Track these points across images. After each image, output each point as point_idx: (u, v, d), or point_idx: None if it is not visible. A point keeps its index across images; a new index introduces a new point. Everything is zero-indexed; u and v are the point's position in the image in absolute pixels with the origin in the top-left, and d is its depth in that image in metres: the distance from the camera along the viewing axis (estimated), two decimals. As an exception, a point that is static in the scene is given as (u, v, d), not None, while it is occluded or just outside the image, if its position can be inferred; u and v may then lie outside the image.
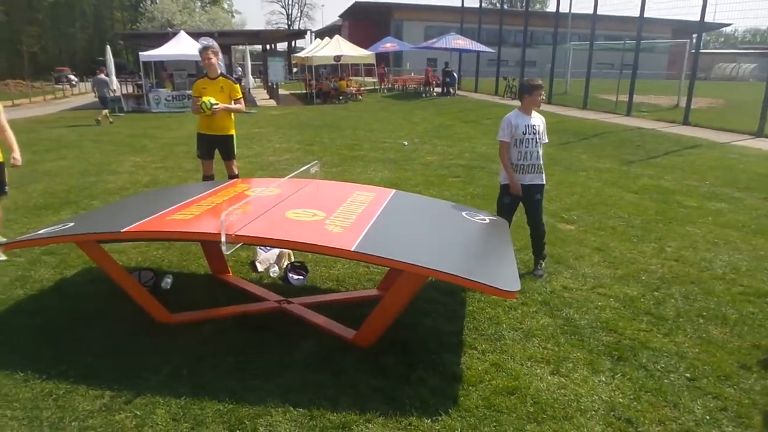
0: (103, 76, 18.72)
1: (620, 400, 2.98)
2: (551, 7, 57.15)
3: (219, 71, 6.00)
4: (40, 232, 3.79)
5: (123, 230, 3.29)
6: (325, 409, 2.86)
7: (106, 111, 17.71)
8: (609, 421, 2.80)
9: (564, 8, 25.91)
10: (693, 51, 17.84)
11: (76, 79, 41.25)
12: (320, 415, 2.82)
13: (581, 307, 4.10)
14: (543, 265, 4.76)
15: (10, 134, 5.25)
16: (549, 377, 3.20)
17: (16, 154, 5.21)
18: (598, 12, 19.61)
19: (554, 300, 4.21)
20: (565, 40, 27.86)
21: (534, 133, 4.56)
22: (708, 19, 15.78)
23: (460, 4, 31.11)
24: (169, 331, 3.66)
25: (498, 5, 50.89)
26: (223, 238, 3.01)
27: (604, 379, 3.17)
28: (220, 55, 6.08)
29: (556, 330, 3.75)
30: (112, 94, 19.08)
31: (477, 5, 31.62)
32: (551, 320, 3.89)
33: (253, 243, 3.34)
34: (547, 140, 4.71)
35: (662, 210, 6.78)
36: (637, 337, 3.63)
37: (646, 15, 16.94)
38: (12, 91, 29.94)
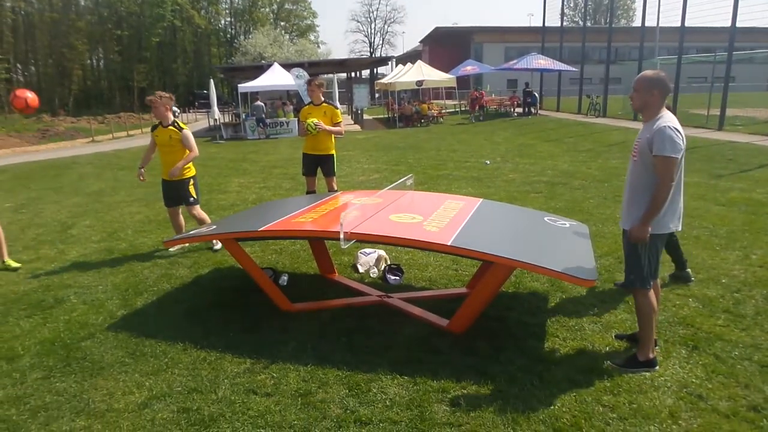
0: (259, 102, 22.97)
1: (693, 380, 3.29)
2: (637, 22, 55.58)
3: (322, 99, 6.83)
4: (191, 233, 4.65)
5: (260, 229, 4.04)
6: (427, 378, 3.40)
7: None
8: (681, 396, 3.13)
9: (651, 22, 25.51)
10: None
11: (178, 111, 44.85)
12: (422, 382, 3.36)
13: (659, 305, 4.38)
14: None
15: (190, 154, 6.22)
16: (626, 361, 3.55)
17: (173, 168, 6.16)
18: (689, 24, 19.17)
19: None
20: (653, 55, 27.22)
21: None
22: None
23: (541, 24, 31.23)
24: (291, 317, 4.36)
25: (580, 23, 50.26)
26: (341, 236, 3.65)
27: (678, 363, 3.49)
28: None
29: (633, 324, 4.07)
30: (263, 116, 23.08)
31: (558, 24, 31.59)
32: (629, 316, 4.21)
33: (365, 239, 3.96)
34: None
35: (750, 221, 6.79)
36: (713, 331, 3.89)
37: (745, 24, 16.45)
38: (125, 123, 33.28)
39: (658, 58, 25.28)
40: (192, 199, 6.27)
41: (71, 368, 3.71)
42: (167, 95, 6.08)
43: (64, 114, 44.16)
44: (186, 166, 6.16)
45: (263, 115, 22.66)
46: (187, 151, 6.14)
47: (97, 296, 5.00)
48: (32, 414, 3.22)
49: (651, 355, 3.43)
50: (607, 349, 3.73)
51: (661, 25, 27.63)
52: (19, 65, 52.48)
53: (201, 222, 6.19)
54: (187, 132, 6.13)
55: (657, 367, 3.42)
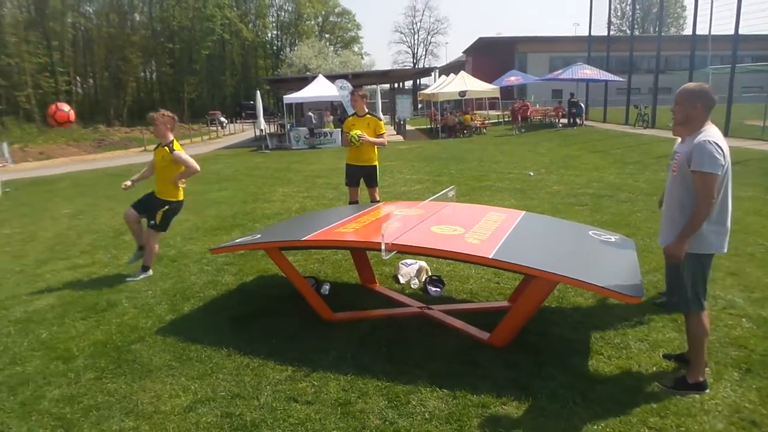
0: (310, 113, 23.91)
1: (746, 405, 3.16)
2: (687, 30, 53.89)
3: (365, 110, 6.92)
4: (237, 241, 4.78)
5: (303, 239, 4.11)
6: (466, 392, 3.38)
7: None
8: (733, 421, 3.01)
9: (703, 30, 24.71)
10: None
11: (225, 121, 46.12)
12: (462, 396, 3.34)
13: (710, 324, 4.22)
14: None
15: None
16: (674, 381, 3.44)
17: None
18: (743, 32, 18.45)
19: (681, 317, 4.37)
20: (705, 64, 26.35)
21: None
22: None
23: (586, 34, 30.70)
24: (332, 326, 4.42)
25: (628, 32, 49.14)
26: (383, 246, 3.68)
27: (730, 386, 3.36)
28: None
29: (682, 343, 3.93)
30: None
31: (604, 33, 30.97)
32: (678, 335, 4.08)
33: (405, 251, 3.98)
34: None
35: (811, 238, 6.48)
36: (769, 353, 3.73)
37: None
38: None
39: (710, 67, 24.45)
40: (152, 222, 5.89)
41: (122, 370, 3.86)
42: (170, 115, 5.92)
43: (119, 124, 46.09)
44: (178, 189, 5.94)
45: (313, 126, 23.29)
46: (182, 168, 5.85)
47: (147, 301, 5.19)
48: (85, 413, 3.36)
49: (701, 378, 3.30)
50: (654, 369, 3.62)
51: (713, 33, 26.76)
52: (78, 78, 55.03)
53: (145, 248, 5.93)
54: (179, 153, 5.80)
55: (707, 390, 3.29)
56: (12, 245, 7.91)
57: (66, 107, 6.39)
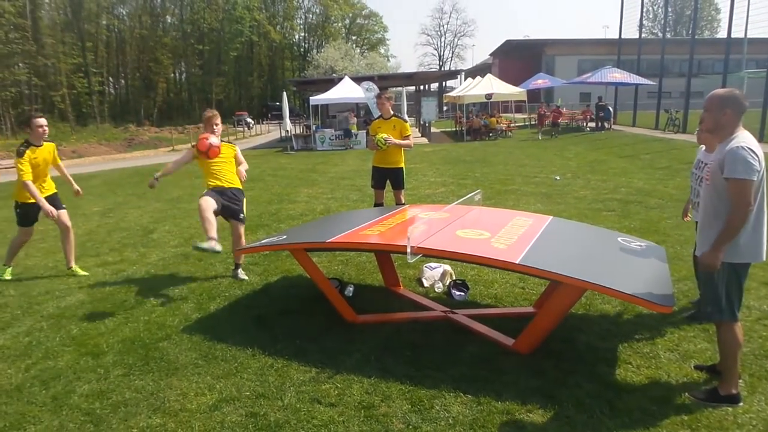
0: (346, 114, 24.73)
1: (781, 420, 3.06)
2: (721, 33, 52.54)
3: (391, 112, 6.92)
4: (263, 242, 4.82)
5: (328, 241, 4.13)
6: (491, 399, 3.34)
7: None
8: (767, 436, 2.92)
9: (738, 33, 24.10)
10: None
11: (252, 122, 46.67)
12: (486, 402, 3.31)
13: (743, 335, 4.11)
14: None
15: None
16: (705, 394, 3.35)
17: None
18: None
19: (713, 327, 4.26)
20: (740, 68, 25.71)
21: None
22: None
23: (616, 36, 30.23)
24: (356, 328, 4.42)
25: (659, 34, 48.21)
26: (408, 250, 3.67)
27: (764, 399, 3.26)
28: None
29: (714, 354, 3.84)
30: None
31: (634, 36, 30.47)
32: (710, 345, 3.97)
33: (431, 254, 3.95)
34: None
35: None
36: (806, 367, 3.61)
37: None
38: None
39: (745, 71, 23.87)
40: (242, 216, 5.82)
41: (149, 367, 3.93)
42: None
43: (149, 124, 47.01)
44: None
45: (348, 126, 23.83)
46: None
47: (174, 299, 5.27)
48: (113, 408, 3.42)
49: (734, 391, 3.21)
50: (685, 380, 3.53)
51: (749, 36, 26.07)
52: (111, 78, 56.34)
53: (238, 238, 5.76)
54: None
55: (741, 403, 3.20)
56: (46, 241, 8.12)
57: (215, 140, 5.59)
